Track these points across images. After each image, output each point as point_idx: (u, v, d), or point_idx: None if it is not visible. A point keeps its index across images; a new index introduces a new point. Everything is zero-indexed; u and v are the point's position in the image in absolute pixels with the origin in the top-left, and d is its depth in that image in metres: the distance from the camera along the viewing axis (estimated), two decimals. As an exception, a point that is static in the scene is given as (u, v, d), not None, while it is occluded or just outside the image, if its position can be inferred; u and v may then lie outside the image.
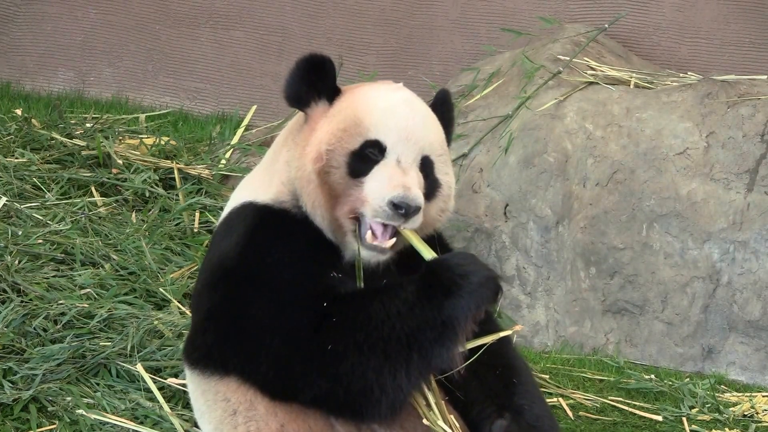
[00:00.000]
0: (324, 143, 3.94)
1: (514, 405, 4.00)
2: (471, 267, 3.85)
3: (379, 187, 3.89)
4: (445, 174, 4.06)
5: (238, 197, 4.14)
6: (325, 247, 3.97)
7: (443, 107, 4.19)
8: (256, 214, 4.01)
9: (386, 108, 3.99)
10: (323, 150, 3.93)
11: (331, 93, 4.05)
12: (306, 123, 4.05)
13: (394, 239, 3.92)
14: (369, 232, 3.90)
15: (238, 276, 3.92)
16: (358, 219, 3.94)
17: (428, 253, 3.92)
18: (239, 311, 3.89)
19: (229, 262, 3.95)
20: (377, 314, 3.79)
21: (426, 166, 4.01)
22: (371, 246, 3.90)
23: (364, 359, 3.77)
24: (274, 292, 3.86)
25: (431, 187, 4.02)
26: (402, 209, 3.86)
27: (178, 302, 5.86)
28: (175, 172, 7.31)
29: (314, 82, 4.03)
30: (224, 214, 4.16)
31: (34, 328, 5.46)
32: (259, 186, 4.09)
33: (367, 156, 3.94)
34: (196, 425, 4.59)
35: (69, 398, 5.08)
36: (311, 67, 4.03)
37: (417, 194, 3.88)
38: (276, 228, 3.97)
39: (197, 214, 6.88)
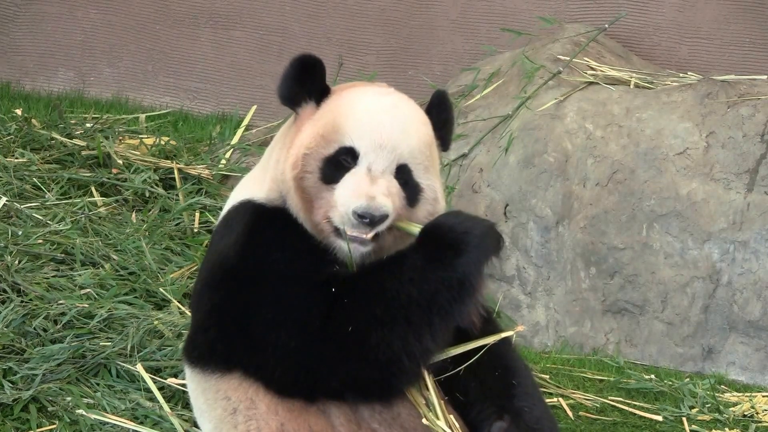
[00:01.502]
0: (303, 147, 3.96)
1: (513, 407, 4.00)
2: (468, 222, 3.89)
3: (345, 196, 3.90)
4: (427, 179, 4.04)
5: (236, 196, 4.15)
6: (319, 243, 3.98)
7: (439, 109, 4.16)
8: (253, 212, 4.02)
9: (364, 114, 3.98)
10: (300, 155, 3.95)
11: (320, 94, 4.05)
12: (294, 123, 4.07)
13: (374, 231, 3.92)
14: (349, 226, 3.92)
15: (240, 273, 3.92)
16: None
17: (415, 228, 3.94)
18: (243, 308, 3.89)
19: (230, 260, 3.95)
20: (390, 285, 3.82)
21: (403, 173, 3.99)
22: (352, 238, 3.90)
23: (387, 331, 3.79)
24: (279, 287, 3.87)
25: (413, 192, 4.01)
26: (366, 219, 3.87)
27: (178, 302, 5.86)
28: (175, 172, 7.31)
29: (305, 83, 4.04)
30: (223, 212, 4.17)
31: (34, 328, 5.46)
32: (255, 184, 4.11)
33: (340, 163, 3.95)
34: (195, 425, 4.59)
35: (69, 398, 5.08)
36: (303, 67, 4.04)
37: (381, 203, 3.87)
38: (274, 224, 3.98)
39: (197, 214, 6.88)
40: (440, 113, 4.15)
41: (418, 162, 4.01)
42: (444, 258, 3.84)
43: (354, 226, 3.88)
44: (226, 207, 4.16)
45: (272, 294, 3.87)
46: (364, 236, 3.89)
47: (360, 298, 3.83)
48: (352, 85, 4.15)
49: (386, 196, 3.89)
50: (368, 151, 3.94)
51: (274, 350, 3.84)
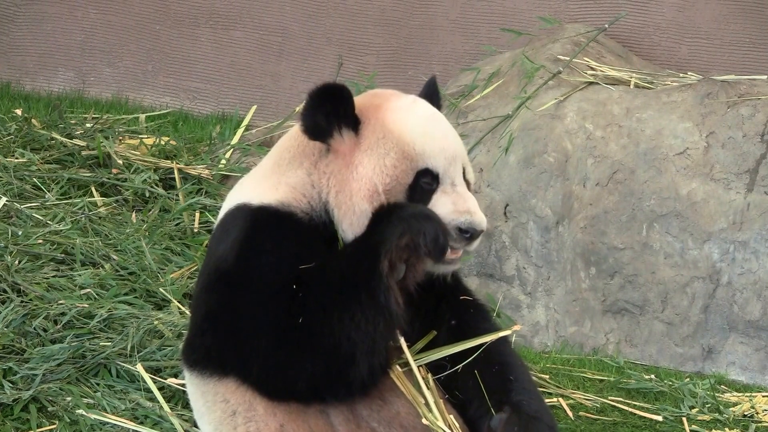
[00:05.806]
0: (378, 183, 3.95)
1: (511, 401, 4.01)
2: (407, 208, 3.90)
3: (445, 213, 3.96)
4: (470, 172, 4.15)
5: (232, 200, 4.13)
6: (321, 251, 3.98)
7: (435, 95, 4.25)
8: (249, 217, 4.01)
9: (425, 133, 4.01)
10: (381, 190, 3.95)
11: (353, 122, 4.00)
12: (330, 153, 4.02)
13: (470, 247, 4.01)
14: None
15: (233, 278, 3.93)
16: None
17: None
18: (233, 314, 3.91)
19: (224, 265, 3.96)
20: (332, 269, 3.84)
21: (464, 174, 4.10)
22: (447, 260, 3.97)
23: (327, 316, 3.80)
24: (260, 294, 3.88)
25: (469, 188, 4.12)
26: (468, 233, 3.95)
27: (178, 302, 5.86)
28: (175, 172, 7.31)
29: (332, 113, 3.97)
30: (219, 217, 4.17)
31: (34, 328, 5.46)
32: (257, 190, 4.07)
33: (421, 187, 4.00)
34: (195, 425, 4.59)
35: (69, 398, 5.08)
36: (327, 97, 3.96)
37: (482, 218, 3.98)
38: (269, 230, 3.97)
39: (197, 214, 6.89)
40: (437, 99, 4.22)
41: (467, 160, 4.12)
42: (368, 233, 3.85)
43: (453, 240, 3.95)
44: (223, 211, 4.16)
45: (255, 300, 3.88)
46: (455, 256, 3.98)
47: (310, 290, 3.84)
48: (376, 101, 4.08)
49: (480, 210, 3.99)
50: (446, 168, 4.01)
51: (257, 356, 3.86)
